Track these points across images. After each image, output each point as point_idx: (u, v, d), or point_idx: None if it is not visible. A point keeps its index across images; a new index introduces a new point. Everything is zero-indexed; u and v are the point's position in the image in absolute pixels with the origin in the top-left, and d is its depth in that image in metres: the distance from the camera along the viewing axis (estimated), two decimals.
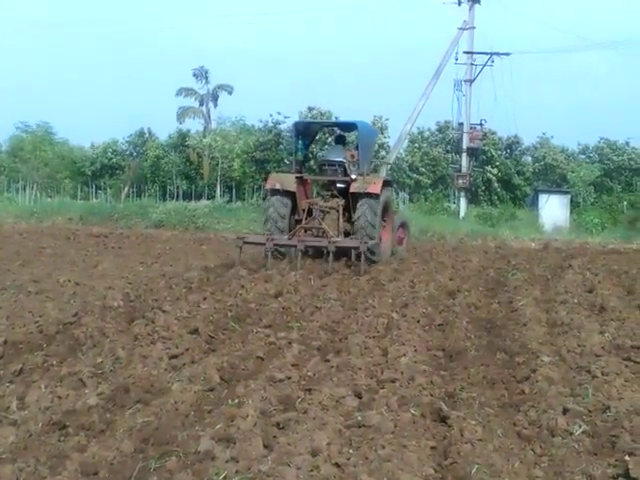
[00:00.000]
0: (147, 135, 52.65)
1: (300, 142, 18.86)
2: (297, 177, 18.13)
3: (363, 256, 15.62)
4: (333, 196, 18.09)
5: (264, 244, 16.50)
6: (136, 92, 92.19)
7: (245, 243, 16.68)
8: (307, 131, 19.63)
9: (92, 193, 48.42)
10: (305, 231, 17.52)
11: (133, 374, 7.37)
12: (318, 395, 6.63)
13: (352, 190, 17.36)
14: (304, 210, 17.75)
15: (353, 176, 17.62)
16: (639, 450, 5.35)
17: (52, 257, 18.24)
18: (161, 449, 5.63)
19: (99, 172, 50.74)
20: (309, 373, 7.59)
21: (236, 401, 6.61)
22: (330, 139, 32.90)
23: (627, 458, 5.21)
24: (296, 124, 20.59)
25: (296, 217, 18.01)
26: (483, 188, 47.13)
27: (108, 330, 9.17)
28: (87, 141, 55.32)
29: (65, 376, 7.24)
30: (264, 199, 23.11)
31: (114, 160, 51.13)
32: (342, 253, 16.52)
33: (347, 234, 17.35)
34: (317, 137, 22.69)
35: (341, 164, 18.18)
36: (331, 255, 15.70)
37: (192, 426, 6.12)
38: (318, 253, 16.75)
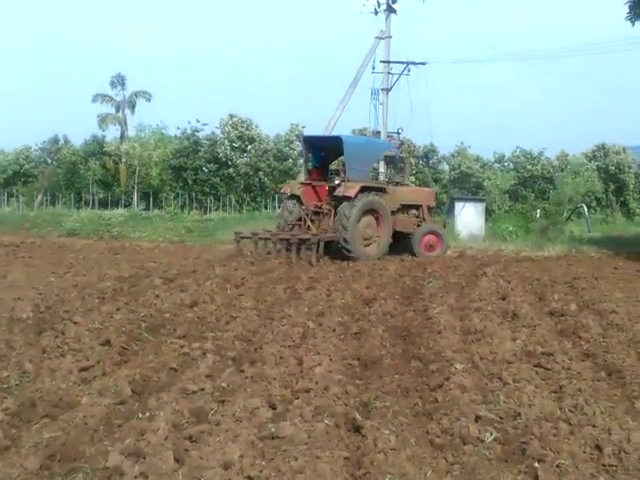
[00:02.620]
0: (62, 142, 51.62)
1: (311, 154, 22.74)
2: (301, 183, 22.31)
3: (315, 247, 19.44)
4: (333, 199, 21.44)
5: (250, 238, 20.98)
6: (50, 98, 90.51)
7: (241, 238, 21.22)
8: (314, 144, 22.95)
9: (3, 201, 47.22)
10: (292, 228, 21.26)
11: (41, 388, 7.19)
12: (231, 406, 6.55)
13: (335, 194, 21.03)
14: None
15: (337, 182, 21.27)
16: (548, 456, 5.42)
17: None
18: (68, 465, 5.47)
19: (11, 179, 49.50)
20: (223, 384, 7.49)
21: (147, 414, 6.49)
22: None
23: (536, 465, 5.27)
24: (304, 138, 24.69)
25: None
26: None
27: (15, 343, 8.93)
28: None
29: None
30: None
31: (27, 167, 49.96)
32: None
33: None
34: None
35: (337, 172, 22.05)
36: (293, 247, 19.54)
37: (101, 441, 5.97)
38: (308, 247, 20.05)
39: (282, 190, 22.71)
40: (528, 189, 53.83)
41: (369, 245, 21.26)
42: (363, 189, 20.90)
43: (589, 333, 10.07)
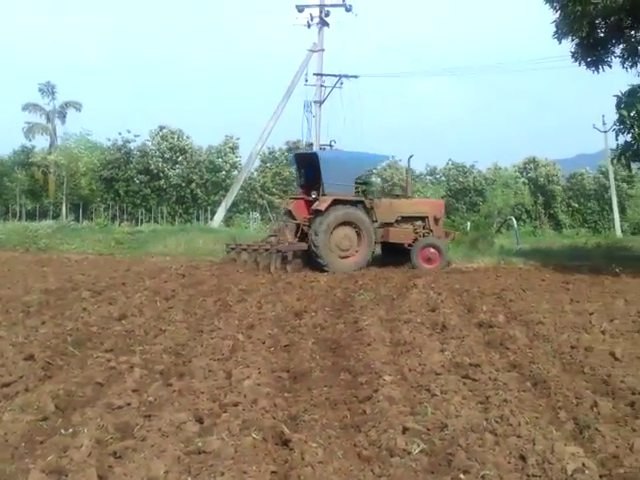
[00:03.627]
0: None
1: (303, 170, 23.87)
2: (291, 198, 24.07)
3: (279, 256, 21.06)
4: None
5: (234, 249, 22.49)
6: None
7: (231, 249, 22.60)
8: (305, 160, 24.01)
9: None
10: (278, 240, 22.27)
11: None
12: (158, 421, 6.46)
13: (312, 207, 22.21)
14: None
15: (313, 195, 22.40)
16: (474, 467, 5.46)
17: None
18: None
19: None
20: (150, 398, 7.38)
21: (71, 430, 6.35)
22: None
23: (462, 476, 5.31)
24: (294, 155, 26.29)
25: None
26: None
27: None
28: None
29: None
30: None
31: None
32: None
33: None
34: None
35: (316, 187, 22.66)
36: (260, 256, 21.30)
37: (22, 458, 5.81)
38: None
39: (281, 205, 24.93)
40: (460, 201, 54.69)
41: (347, 257, 22.15)
42: (335, 202, 21.89)
43: (516, 344, 10.20)
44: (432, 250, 23.22)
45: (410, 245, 23.33)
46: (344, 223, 22.03)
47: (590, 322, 12.08)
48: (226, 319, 11.91)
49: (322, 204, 21.78)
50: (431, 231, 23.82)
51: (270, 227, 24.25)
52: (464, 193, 55.84)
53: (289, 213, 23.15)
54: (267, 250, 21.40)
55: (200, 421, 6.57)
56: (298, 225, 22.58)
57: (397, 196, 25.60)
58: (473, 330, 11.50)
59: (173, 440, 6.03)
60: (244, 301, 13.91)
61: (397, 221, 23.67)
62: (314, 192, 22.59)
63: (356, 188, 23.58)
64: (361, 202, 22.96)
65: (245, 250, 22.14)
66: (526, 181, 59.02)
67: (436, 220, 24.11)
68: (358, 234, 22.25)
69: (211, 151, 52.40)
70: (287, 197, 27.14)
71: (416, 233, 23.58)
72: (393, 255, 23.78)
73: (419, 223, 23.87)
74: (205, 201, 50.95)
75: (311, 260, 21.98)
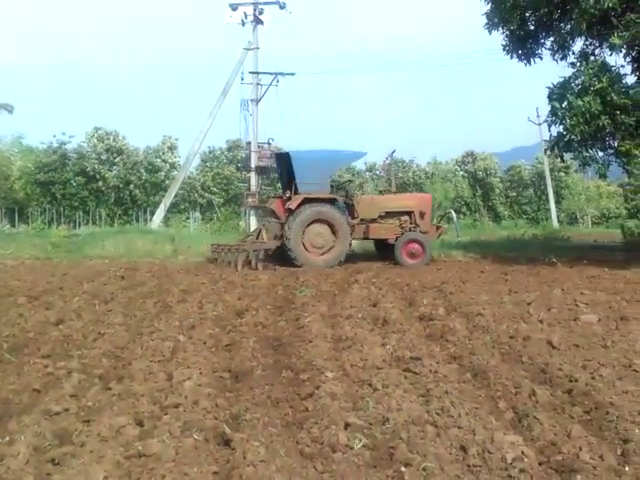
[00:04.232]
0: None
1: (284, 169, 23.83)
2: (272, 197, 25.07)
3: (255, 254, 21.58)
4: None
5: (216, 249, 23.00)
6: None
7: (215, 249, 22.99)
8: (282, 160, 24.06)
9: None
10: (257, 238, 23.11)
11: None
12: (97, 426, 6.37)
13: (286, 207, 22.49)
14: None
15: (287, 194, 22.79)
16: (415, 460, 5.50)
17: None
18: None
19: None
20: (89, 403, 7.27)
21: (7, 438, 6.23)
22: None
23: (403, 469, 5.33)
24: (275, 155, 27.54)
25: None
26: None
27: None
28: None
29: None
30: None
31: None
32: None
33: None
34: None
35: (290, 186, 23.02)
36: (232, 254, 21.87)
37: None
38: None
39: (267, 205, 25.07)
40: None
41: (321, 254, 22.23)
42: (307, 201, 22.09)
43: (456, 336, 10.30)
44: (416, 246, 22.92)
45: (395, 240, 23.20)
46: (317, 221, 22.15)
47: (528, 312, 12.24)
48: (166, 320, 11.79)
49: (293, 203, 22.02)
50: (417, 226, 23.54)
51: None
52: (404, 188, 56.23)
53: (272, 212, 23.31)
54: (237, 250, 21.93)
55: (140, 424, 6.51)
56: (282, 224, 22.66)
57: (381, 192, 25.81)
58: (414, 324, 11.58)
59: (113, 444, 5.96)
60: (185, 301, 13.79)
61: (381, 217, 23.53)
62: (288, 191, 22.82)
63: (332, 186, 23.69)
64: (334, 200, 22.92)
65: (222, 250, 22.60)
66: (465, 174, 59.83)
67: (422, 215, 23.75)
68: (333, 231, 22.30)
69: (149, 151, 51.96)
70: (272, 197, 27.47)
71: (402, 228, 23.39)
72: (386, 251, 23.70)
73: (405, 218, 23.63)
74: (145, 202, 50.49)
75: (287, 258, 22.10)
